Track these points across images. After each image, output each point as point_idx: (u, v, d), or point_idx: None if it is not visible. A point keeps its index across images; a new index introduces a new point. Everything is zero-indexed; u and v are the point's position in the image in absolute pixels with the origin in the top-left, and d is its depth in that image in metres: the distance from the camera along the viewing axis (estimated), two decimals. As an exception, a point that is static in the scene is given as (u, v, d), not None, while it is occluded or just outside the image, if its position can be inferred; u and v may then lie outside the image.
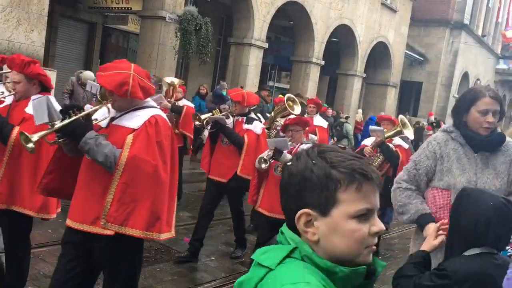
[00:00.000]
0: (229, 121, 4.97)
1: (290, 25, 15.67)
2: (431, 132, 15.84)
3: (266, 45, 13.29)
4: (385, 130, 5.47)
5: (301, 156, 1.09)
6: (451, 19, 22.64)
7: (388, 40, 18.83)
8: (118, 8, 11.69)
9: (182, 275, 4.53)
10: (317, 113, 7.45)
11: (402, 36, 19.89)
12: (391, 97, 19.99)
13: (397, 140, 5.67)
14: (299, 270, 1.00)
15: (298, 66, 15.32)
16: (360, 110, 17.74)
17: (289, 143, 4.14)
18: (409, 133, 5.43)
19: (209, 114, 5.26)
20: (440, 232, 2.14)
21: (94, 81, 8.33)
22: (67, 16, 12.43)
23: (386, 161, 5.26)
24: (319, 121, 7.38)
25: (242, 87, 11.81)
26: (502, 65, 29.81)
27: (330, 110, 13.89)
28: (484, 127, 2.57)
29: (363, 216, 1.04)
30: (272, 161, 4.05)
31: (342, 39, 16.94)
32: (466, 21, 23.38)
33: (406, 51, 20.79)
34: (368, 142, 5.45)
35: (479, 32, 25.87)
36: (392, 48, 19.16)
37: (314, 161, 1.05)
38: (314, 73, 15.31)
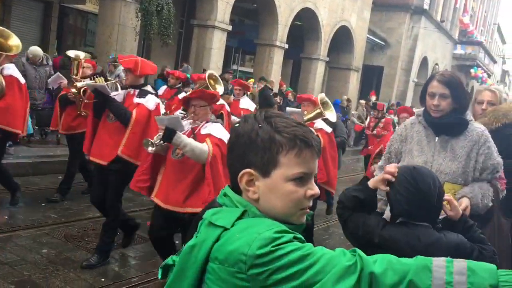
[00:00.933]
0: (119, 93, 4.16)
1: (254, 7, 15.56)
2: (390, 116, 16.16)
3: (230, 28, 13.15)
4: (305, 112, 5.00)
5: (248, 119, 1.14)
6: (412, 4, 23.06)
7: (351, 24, 19.01)
8: (75, -14, 11.28)
9: (146, 259, 4.48)
10: (244, 95, 7.10)
11: (364, 20, 20.12)
12: (354, 81, 20.28)
13: (319, 123, 5.07)
14: (264, 221, 1.07)
15: (262, 50, 15.27)
16: (322, 94, 17.86)
17: (189, 121, 3.54)
18: (331, 115, 4.95)
19: (90, 82, 4.24)
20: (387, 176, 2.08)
21: (42, 58, 8.03)
22: (20, -6, 11.88)
23: None
24: (246, 103, 6.98)
25: (205, 70, 11.68)
26: (459, 50, 30.72)
27: (290, 94, 13.91)
28: (432, 109, 2.66)
29: (300, 180, 1.10)
30: (164, 143, 3.36)
31: (305, 23, 16.98)
32: (426, 6, 23.89)
33: (368, 36, 21.07)
34: None
35: (438, 18, 26.51)
36: (355, 33, 19.37)
37: (260, 125, 1.11)
38: (278, 57, 15.31)
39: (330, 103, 5.05)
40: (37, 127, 8.23)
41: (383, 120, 8.83)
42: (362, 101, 18.01)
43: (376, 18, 22.11)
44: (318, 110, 4.81)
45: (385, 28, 23.20)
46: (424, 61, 25.64)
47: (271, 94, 12.44)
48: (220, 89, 5.30)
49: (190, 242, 1.10)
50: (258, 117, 1.13)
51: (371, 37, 21.60)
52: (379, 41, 22.83)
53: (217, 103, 4.68)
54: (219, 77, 5.47)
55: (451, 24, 29.61)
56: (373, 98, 17.66)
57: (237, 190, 1.15)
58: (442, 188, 2.07)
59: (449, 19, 28.80)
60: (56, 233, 4.76)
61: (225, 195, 1.16)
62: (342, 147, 6.62)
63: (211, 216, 1.10)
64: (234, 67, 19.65)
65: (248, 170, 1.11)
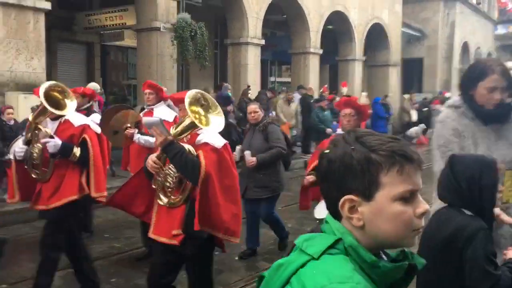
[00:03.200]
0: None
1: (284, 18, 15.68)
2: (438, 106, 15.79)
3: (263, 42, 13.32)
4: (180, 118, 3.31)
5: (338, 143, 1.08)
6: (444, -9, 22.49)
7: (383, 20, 18.75)
8: (113, 25, 11.83)
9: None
10: (159, 101, 5.10)
11: (397, 14, 19.79)
12: (394, 76, 19.91)
13: (206, 135, 3.07)
14: (347, 268, 0.99)
15: (297, 58, 15.33)
16: (364, 93, 17.68)
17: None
18: (215, 123, 3.01)
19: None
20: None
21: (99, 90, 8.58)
22: (64, 39, 12.58)
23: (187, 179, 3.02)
24: (162, 113, 4.76)
25: (248, 86, 11.88)
26: (501, 30, 29.50)
27: (338, 98, 13.86)
28: (492, 103, 2.52)
29: (407, 198, 1.02)
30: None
31: (337, 26, 16.91)
32: (459, -9, 23.21)
33: (403, 29, 20.67)
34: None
35: (474, 0, 25.64)
36: (388, 28, 19.07)
37: (352, 147, 1.04)
38: (313, 63, 15.31)
39: (212, 101, 3.09)
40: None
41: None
42: (406, 96, 17.66)
43: (409, 10, 21.68)
44: (187, 121, 2.96)
45: (419, 19, 22.69)
46: (465, 47, 24.82)
47: (311, 101, 12.48)
48: (71, 104, 3.71)
49: (280, 260, 1.07)
50: (348, 138, 1.06)
51: (406, 30, 21.17)
52: (415, 33, 22.34)
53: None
54: (68, 89, 3.79)
55: (488, 5, 28.54)
56: (345, 89, 15.09)
57: (337, 217, 1.08)
58: (492, 179, 2.06)
59: (485, 0, 27.78)
60: (122, 262, 4.98)
61: (326, 222, 1.10)
62: (284, 161, 5.17)
63: (303, 242, 1.06)
64: (272, 79, 19.80)
65: (348, 196, 1.03)
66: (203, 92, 3.11)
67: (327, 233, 1.07)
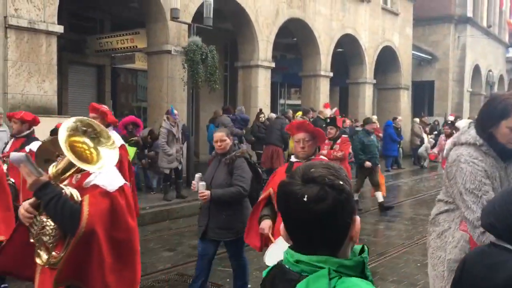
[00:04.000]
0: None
1: (294, 41, 15.72)
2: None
3: (273, 65, 13.32)
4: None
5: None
6: (454, 14, 22.50)
7: (394, 43, 18.74)
8: (124, 48, 11.90)
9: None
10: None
11: (407, 37, 19.78)
12: (405, 99, 19.79)
13: (99, 178, 2.45)
14: (359, 282, 1.09)
15: (308, 81, 15.30)
16: (375, 117, 17.55)
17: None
18: (109, 156, 2.39)
19: None
20: None
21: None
22: (75, 62, 12.67)
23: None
24: (36, 145, 4.35)
25: (261, 109, 11.82)
26: (512, 53, 29.42)
27: (348, 121, 13.76)
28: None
29: None
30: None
31: (347, 49, 16.91)
32: (470, 14, 23.20)
33: (414, 52, 20.65)
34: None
35: (484, 24, 25.63)
36: (399, 51, 19.05)
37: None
38: (324, 86, 15.26)
39: (104, 131, 2.45)
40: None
41: (338, 141, 7.98)
42: (416, 119, 17.50)
43: (419, 33, 21.70)
44: (64, 161, 2.35)
45: (430, 42, 22.69)
46: (477, 69, 24.70)
47: (323, 125, 12.37)
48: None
49: None
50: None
51: (416, 53, 21.15)
52: (425, 56, 22.31)
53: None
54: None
55: (499, 28, 28.51)
56: (327, 111, 13.31)
57: (309, 250, 1.12)
58: None
59: (496, 23, 27.77)
60: None
61: (297, 262, 1.11)
62: (250, 198, 4.27)
63: None
64: (281, 101, 19.77)
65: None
66: (91, 120, 2.47)
67: (307, 272, 1.09)
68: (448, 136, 8.83)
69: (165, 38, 10.38)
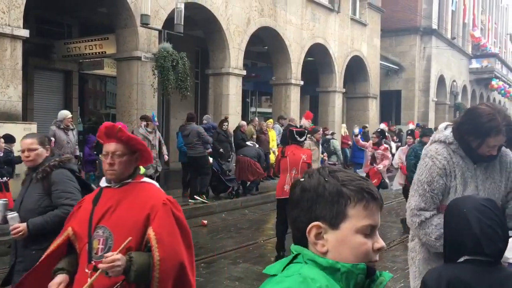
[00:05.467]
0: None
1: (265, 50, 15.83)
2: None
3: (244, 73, 13.35)
4: None
5: (313, 174, 1.17)
6: (420, 26, 23.16)
7: (362, 53, 19.12)
8: (92, 53, 11.68)
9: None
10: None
11: (375, 48, 20.23)
12: (373, 108, 20.18)
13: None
14: (298, 267, 1.10)
15: (278, 89, 15.41)
16: (344, 125, 17.84)
17: None
18: None
19: None
20: None
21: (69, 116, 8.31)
22: (41, 67, 12.34)
23: None
24: None
25: (226, 117, 11.78)
26: (475, 65, 30.43)
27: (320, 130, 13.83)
28: (487, 154, 2.51)
29: (367, 232, 1.13)
30: None
31: (318, 58, 17.13)
32: (435, 26, 23.94)
33: (381, 62, 21.12)
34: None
35: (448, 35, 26.49)
36: (367, 61, 19.44)
37: (326, 179, 1.14)
38: (294, 94, 15.40)
39: None
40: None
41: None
42: (344, 124, 17.74)
43: (387, 44, 22.21)
44: None
45: (397, 52, 23.26)
46: (441, 80, 25.45)
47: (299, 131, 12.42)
48: None
49: None
50: (323, 172, 1.17)
51: (384, 63, 21.64)
52: (393, 66, 22.85)
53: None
54: None
55: (463, 40, 29.51)
56: (306, 123, 10.55)
57: (301, 244, 1.17)
58: (496, 217, 1.84)
59: (459, 35, 28.73)
60: None
61: (291, 252, 1.18)
62: None
63: (266, 269, 1.16)
64: (252, 109, 19.83)
65: (316, 223, 1.13)
66: None
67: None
68: (376, 144, 8.68)
69: (135, 44, 10.25)
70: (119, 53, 10.64)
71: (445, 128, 2.72)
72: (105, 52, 11.37)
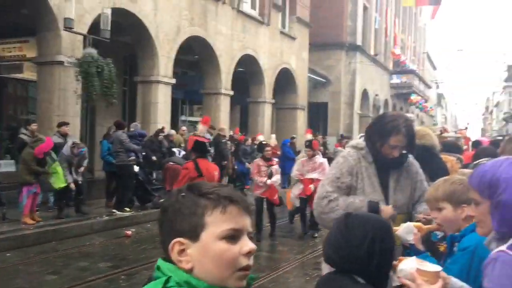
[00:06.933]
0: None
1: (196, 59, 15.82)
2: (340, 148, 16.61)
3: (174, 81, 13.24)
4: None
5: (172, 193, 1.16)
6: (346, 42, 24.27)
7: (291, 65, 19.67)
8: (11, 56, 11.10)
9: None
10: None
11: (304, 61, 20.89)
12: (301, 119, 20.78)
13: None
14: None
15: (209, 98, 15.44)
16: (273, 135, 18.17)
17: None
18: None
19: None
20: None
21: None
22: (-47, 69, 11.50)
23: None
24: None
25: (163, 127, 11.58)
26: (395, 80, 32.36)
27: (250, 140, 14.11)
28: (390, 157, 2.74)
29: (231, 237, 1.07)
30: None
31: (248, 69, 17.39)
32: (359, 43, 25.20)
33: (309, 75, 21.83)
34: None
35: (372, 52, 27.97)
36: (296, 73, 20.02)
37: (183, 194, 1.11)
38: (225, 104, 15.50)
39: None
40: None
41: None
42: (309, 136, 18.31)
43: (315, 57, 23.00)
44: None
45: (324, 66, 24.16)
46: (365, 93, 26.76)
47: (223, 141, 12.51)
48: None
49: None
50: (182, 188, 1.15)
51: (312, 75, 22.38)
52: (320, 79, 23.68)
53: None
54: None
55: (385, 57, 31.26)
56: (204, 128, 11.44)
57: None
58: (392, 242, 1.72)
59: (382, 52, 30.42)
60: None
61: (158, 268, 1.10)
62: None
63: None
64: (183, 118, 19.66)
65: (177, 239, 1.08)
66: None
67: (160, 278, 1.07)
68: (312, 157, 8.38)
69: (58, 48, 9.83)
70: (40, 57, 10.16)
71: (360, 137, 3.00)
72: (25, 55, 10.85)
